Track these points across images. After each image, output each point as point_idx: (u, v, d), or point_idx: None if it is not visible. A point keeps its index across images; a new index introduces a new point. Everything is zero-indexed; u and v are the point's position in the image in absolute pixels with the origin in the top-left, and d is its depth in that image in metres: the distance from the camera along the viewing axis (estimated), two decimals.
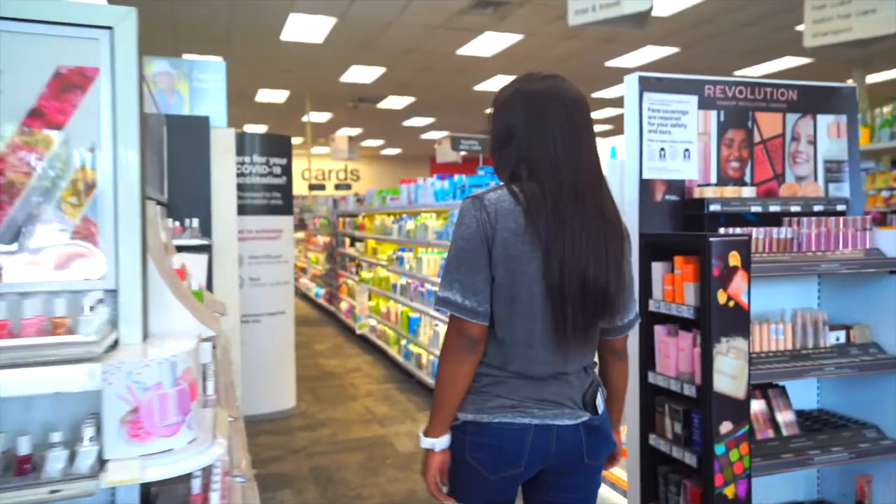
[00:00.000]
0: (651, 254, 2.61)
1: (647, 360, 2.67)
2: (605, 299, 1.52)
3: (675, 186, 2.69)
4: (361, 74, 11.58)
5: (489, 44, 9.58)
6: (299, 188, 20.06)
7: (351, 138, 15.86)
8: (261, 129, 18.20)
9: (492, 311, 1.53)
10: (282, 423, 5.10)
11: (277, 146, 5.33)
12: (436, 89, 12.97)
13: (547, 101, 1.54)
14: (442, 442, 1.58)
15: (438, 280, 2.26)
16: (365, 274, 8.09)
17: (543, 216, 1.48)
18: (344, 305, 9.25)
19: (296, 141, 19.90)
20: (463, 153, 8.70)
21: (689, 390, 2.43)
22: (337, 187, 15.33)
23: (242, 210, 5.16)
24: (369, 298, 8.12)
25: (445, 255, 1.63)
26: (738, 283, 2.34)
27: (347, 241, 9.26)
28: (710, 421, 2.33)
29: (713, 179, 2.75)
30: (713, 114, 2.74)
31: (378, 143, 20.98)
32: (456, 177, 5.10)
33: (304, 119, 14.32)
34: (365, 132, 18.70)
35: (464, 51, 10.01)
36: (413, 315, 6.22)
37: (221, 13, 8.18)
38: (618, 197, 2.84)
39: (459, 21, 8.52)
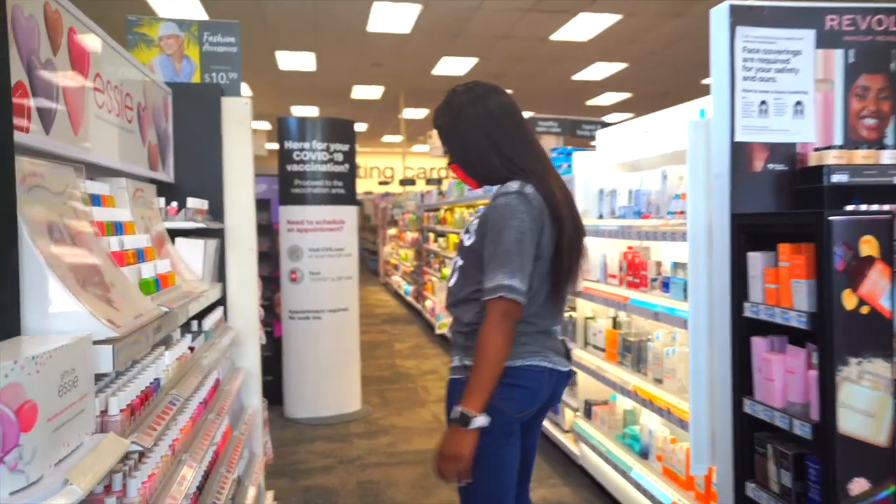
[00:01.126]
0: (746, 241, 1.96)
1: (742, 382, 2.02)
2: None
3: (782, 152, 2.03)
4: (453, 66, 11.19)
5: (584, 27, 8.88)
6: (396, 187, 20.04)
7: None
8: (361, 126, 18.30)
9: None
10: (341, 429, 4.75)
11: (339, 131, 4.99)
12: (531, 80, 12.35)
13: (491, 104, 1.79)
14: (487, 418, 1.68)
15: None
16: (447, 271, 7.67)
17: (555, 198, 1.76)
18: (429, 304, 8.88)
19: (395, 139, 19.92)
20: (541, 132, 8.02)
21: (803, 429, 1.77)
22: (428, 182, 15.04)
23: (302, 199, 4.87)
24: None
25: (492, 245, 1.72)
26: (875, 280, 1.67)
27: (431, 236, 8.88)
28: (832, 475, 1.67)
29: (837, 141, 2.05)
30: (838, 53, 2.05)
31: None
32: None
33: (400, 116, 14.13)
34: None
35: (557, 36, 9.35)
36: None
37: (307, 6, 8.02)
38: (702, 166, 2.23)
39: (550, 2, 7.90)
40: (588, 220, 3.37)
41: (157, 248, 2.05)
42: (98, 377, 1.50)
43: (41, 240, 1.30)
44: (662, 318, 2.53)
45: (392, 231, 13.65)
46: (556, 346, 1.85)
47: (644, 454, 2.92)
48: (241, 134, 2.70)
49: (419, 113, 15.94)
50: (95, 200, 1.75)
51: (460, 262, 1.85)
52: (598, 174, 3.41)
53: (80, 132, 1.64)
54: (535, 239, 1.69)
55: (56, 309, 1.26)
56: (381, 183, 21.58)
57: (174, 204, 2.38)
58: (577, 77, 12.07)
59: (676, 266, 2.59)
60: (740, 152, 2.02)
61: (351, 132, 5.11)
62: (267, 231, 5.40)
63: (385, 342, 8.07)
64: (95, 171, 1.90)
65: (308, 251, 4.88)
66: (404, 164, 16.00)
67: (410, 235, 11.10)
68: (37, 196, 1.35)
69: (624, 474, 2.92)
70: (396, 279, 12.55)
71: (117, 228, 1.76)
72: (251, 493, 2.39)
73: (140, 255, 1.79)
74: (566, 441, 3.81)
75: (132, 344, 1.41)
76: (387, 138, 20.33)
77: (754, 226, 1.97)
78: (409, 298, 10.73)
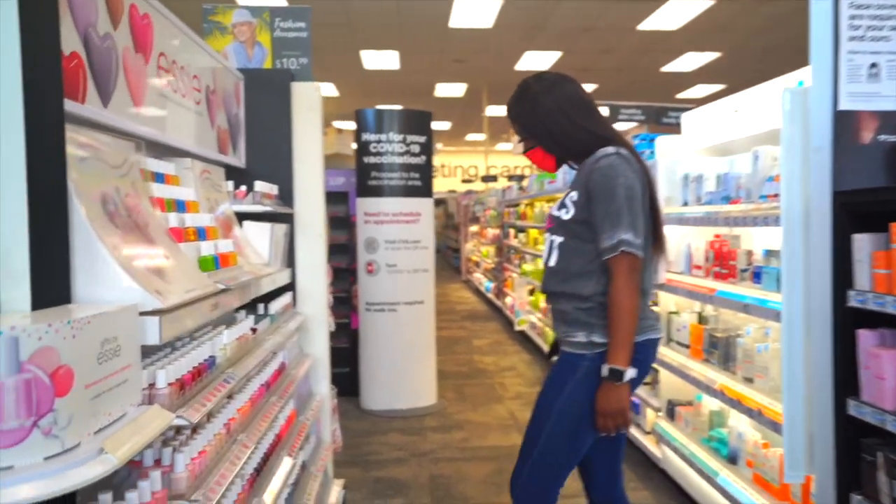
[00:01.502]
0: (850, 221, 1.74)
1: (846, 380, 1.80)
2: None
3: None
4: (537, 61, 10.98)
5: (674, 14, 8.47)
6: (479, 185, 19.98)
7: None
8: (444, 125, 18.36)
9: None
10: (415, 422, 4.71)
11: (415, 123, 4.95)
12: (618, 74, 11.95)
13: (566, 90, 1.88)
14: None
15: None
16: (527, 266, 7.52)
17: (643, 162, 1.84)
18: (509, 300, 8.76)
19: (478, 137, 19.85)
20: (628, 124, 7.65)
21: None
22: (510, 178, 14.88)
23: (378, 192, 4.87)
24: (530, 293, 7.52)
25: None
26: None
27: (512, 231, 8.75)
28: None
29: None
30: None
31: None
32: None
33: (483, 114, 14.04)
34: None
35: (645, 25, 8.97)
36: None
37: (390, 4, 8.07)
38: (798, 140, 2.00)
39: None
40: (671, 208, 3.16)
41: (222, 230, 2.05)
42: (151, 351, 1.50)
43: (93, 210, 1.29)
44: (753, 310, 2.32)
45: (474, 228, 13.61)
46: (653, 311, 1.92)
47: (732, 459, 2.69)
48: (311, 119, 2.69)
49: (503, 110, 15.77)
50: (159, 178, 1.77)
51: (559, 240, 1.86)
52: (683, 159, 3.19)
53: (143, 109, 1.65)
54: (640, 194, 1.75)
55: (104, 278, 1.25)
56: (464, 181, 21.59)
57: (243, 188, 2.39)
58: (666, 69, 11.58)
59: (769, 254, 2.35)
60: (845, 122, 1.80)
61: (428, 124, 5.07)
62: (345, 223, 5.45)
63: (464, 338, 8.01)
64: (162, 150, 1.91)
65: (384, 243, 4.88)
66: (487, 162, 15.91)
67: (491, 232, 11.01)
68: (91, 167, 1.35)
69: (709, 480, 2.70)
70: (478, 276, 12.49)
71: (179, 206, 1.77)
72: (316, 478, 2.37)
73: (201, 234, 1.78)
74: (647, 443, 3.60)
75: (182, 318, 1.39)
76: (470, 136, 20.29)
77: (861, 204, 1.74)
78: (490, 295, 10.63)
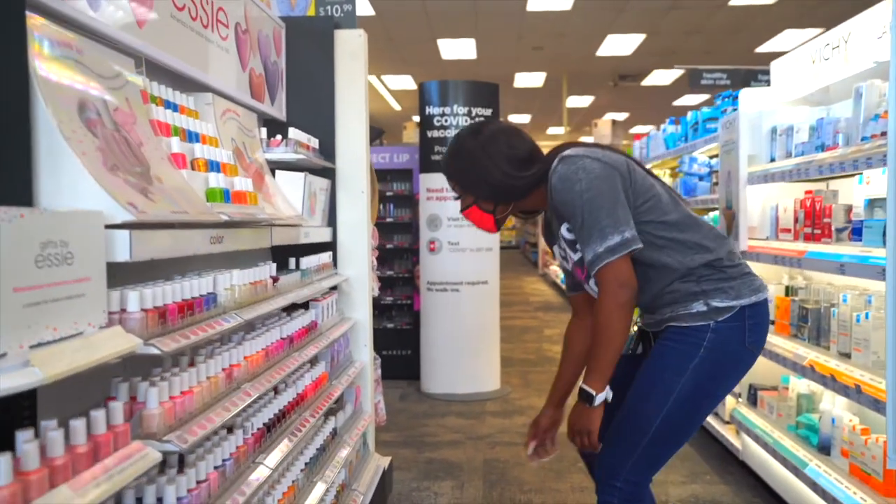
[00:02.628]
0: None
1: None
2: None
3: None
4: (619, 45, 10.50)
5: None
6: None
7: (616, 123, 14.67)
8: (524, 118, 18.06)
9: (676, 223, 1.64)
10: (476, 406, 4.51)
11: (481, 95, 4.74)
12: (706, 56, 11.24)
13: (501, 141, 1.73)
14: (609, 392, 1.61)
15: None
16: None
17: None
18: None
19: (559, 131, 19.39)
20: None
21: None
22: None
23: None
24: None
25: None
26: None
27: None
28: None
29: None
30: None
31: (647, 128, 19.44)
32: (689, 114, 3.96)
33: (564, 103, 13.64)
34: (633, 116, 17.36)
35: (738, 0, 8.35)
36: None
37: None
38: None
39: None
40: (755, 167, 2.81)
41: (245, 171, 1.92)
42: (142, 279, 1.37)
43: (64, 113, 1.16)
44: (850, 269, 1.96)
45: None
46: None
47: (824, 448, 2.33)
48: (355, 68, 2.53)
49: (583, 101, 15.31)
50: (171, 107, 1.64)
51: None
52: (771, 112, 2.82)
53: (147, 26, 1.53)
54: (615, 182, 1.58)
55: (69, 184, 1.11)
56: None
57: (278, 136, 2.26)
58: (761, 49, 10.78)
59: (872, 204, 1.99)
60: None
61: (495, 96, 4.84)
62: (409, 201, 5.31)
63: (535, 327, 7.75)
64: (187, 85, 1.81)
65: (447, 220, 4.69)
66: None
67: None
68: (69, 68, 1.22)
69: (797, 472, 2.34)
70: (554, 268, 12.17)
71: (190, 136, 1.64)
72: (347, 446, 2.21)
73: (214, 167, 1.64)
74: (725, 433, 3.24)
75: (164, 239, 1.25)
76: (551, 130, 19.86)
77: None
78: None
